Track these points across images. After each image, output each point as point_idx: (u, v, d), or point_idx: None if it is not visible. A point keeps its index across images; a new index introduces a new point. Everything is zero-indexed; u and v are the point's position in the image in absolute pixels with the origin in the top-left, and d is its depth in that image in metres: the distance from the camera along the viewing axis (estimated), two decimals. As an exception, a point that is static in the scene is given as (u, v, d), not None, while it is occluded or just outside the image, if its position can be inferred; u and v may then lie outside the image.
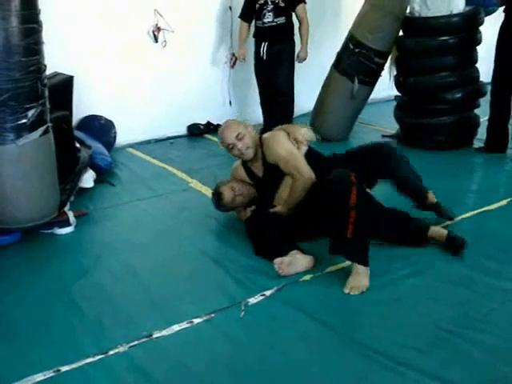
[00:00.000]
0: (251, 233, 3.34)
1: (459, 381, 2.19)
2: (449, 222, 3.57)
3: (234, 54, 6.06)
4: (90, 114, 5.30)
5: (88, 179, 4.34)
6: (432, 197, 3.67)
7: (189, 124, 6.06)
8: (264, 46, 5.44)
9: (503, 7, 4.74)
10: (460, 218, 3.67)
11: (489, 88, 5.07)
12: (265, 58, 5.47)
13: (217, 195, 3.59)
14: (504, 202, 3.93)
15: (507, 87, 4.78)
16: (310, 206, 3.23)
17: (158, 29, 5.56)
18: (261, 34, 5.47)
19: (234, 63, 6.10)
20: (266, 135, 3.50)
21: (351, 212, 2.81)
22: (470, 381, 2.20)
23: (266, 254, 3.16)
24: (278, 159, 3.38)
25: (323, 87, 5.68)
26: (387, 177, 3.51)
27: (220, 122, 6.11)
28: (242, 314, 2.69)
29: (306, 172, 3.31)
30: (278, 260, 2.98)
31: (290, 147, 3.38)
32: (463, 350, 2.39)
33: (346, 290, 2.83)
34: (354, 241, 2.83)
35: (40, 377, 2.29)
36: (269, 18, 5.36)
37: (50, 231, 3.64)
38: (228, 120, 3.63)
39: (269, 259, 3.08)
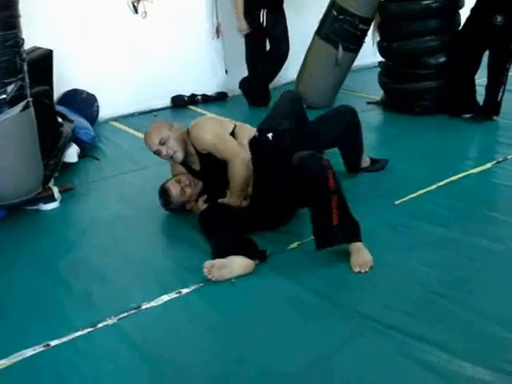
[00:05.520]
0: (205, 229, 3.06)
1: (446, 342, 2.22)
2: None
3: (218, 24, 6.05)
4: (72, 88, 5.23)
5: (72, 154, 4.30)
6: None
7: (173, 95, 6.00)
8: (264, 14, 5.49)
9: None
10: (445, 181, 3.69)
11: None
12: (264, 24, 5.53)
13: (163, 193, 3.36)
14: (489, 165, 3.94)
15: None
16: (273, 195, 3.11)
17: (138, -1, 5.48)
18: (259, 2, 5.48)
19: (218, 33, 6.06)
20: (191, 125, 3.31)
21: (333, 197, 2.73)
22: (457, 341, 2.22)
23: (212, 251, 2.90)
24: (206, 146, 3.19)
25: (306, 55, 5.63)
26: None
27: (208, 93, 6.11)
28: (234, 280, 2.70)
29: (239, 151, 3.14)
30: (207, 263, 2.69)
31: (215, 130, 3.21)
32: (450, 311, 2.42)
33: (356, 270, 2.72)
34: (342, 225, 2.75)
35: (30, 352, 2.30)
36: None
37: (35, 207, 3.61)
38: (152, 123, 3.47)
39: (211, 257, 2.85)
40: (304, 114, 3.74)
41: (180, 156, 3.30)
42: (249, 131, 3.36)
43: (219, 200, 3.18)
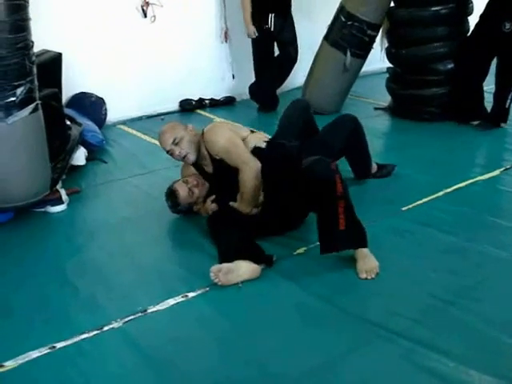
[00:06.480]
0: (213, 232, 3.08)
1: (453, 349, 2.21)
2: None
3: (226, 29, 6.06)
4: (80, 91, 5.25)
5: (80, 157, 4.31)
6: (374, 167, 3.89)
7: (181, 100, 6.02)
8: (271, 18, 5.51)
9: None
10: (453, 188, 3.68)
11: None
12: (272, 29, 5.54)
13: (171, 194, 3.36)
14: (497, 172, 3.93)
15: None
16: (283, 201, 3.10)
17: (147, 3, 5.48)
18: (267, 6, 5.49)
19: (226, 37, 6.08)
20: (206, 128, 3.31)
21: (340, 202, 2.72)
22: (464, 349, 2.21)
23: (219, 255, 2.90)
24: (219, 152, 3.18)
25: (314, 60, 5.64)
26: None
27: (216, 98, 6.12)
28: (240, 285, 2.70)
29: (249, 160, 3.12)
30: (214, 268, 2.70)
31: (229, 136, 3.19)
32: (457, 318, 2.41)
33: (363, 276, 2.72)
34: (348, 230, 2.74)
35: (36, 353, 2.30)
36: None
37: (42, 209, 3.62)
38: (167, 123, 3.47)
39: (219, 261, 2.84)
40: (313, 122, 3.75)
41: (192, 158, 3.28)
42: (259, 139, 3.33)
43: (230, 203, 3.17)
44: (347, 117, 3.73)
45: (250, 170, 3.10)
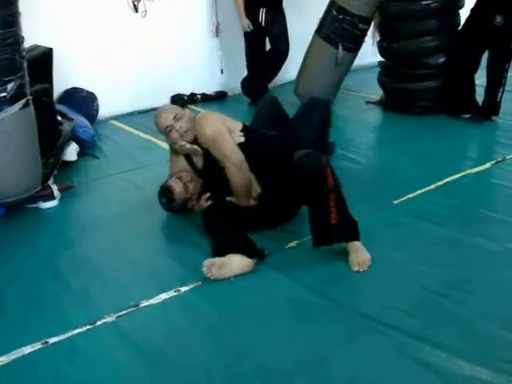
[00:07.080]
0: (207, 226, 3.04)
1: (445, 341, 2.22)
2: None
3: (218, 23, 6.06)
4: (72, 86, 5.24)
5: (71, 152, 4.30)
6: None
7: (172, 94, 6.00)
8: (262, 13, 5.53)
9: None
10: (444, 181, 3.69)
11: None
12: (263, 23, 5.55)
13: (165, 191, 3.30)
14: (488, 165, 3.95)
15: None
16: (276, 194, 3.10)
17: (138, -2, 5.49)
18: (257, 1, 5.51)
19: (217, 32, 6.07)
20: (197, 116, 3.28)
21: (331, 195, 2.73)
22: (456, 341, 2.22)
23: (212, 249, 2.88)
24: (207, 140, 3.13)
25: (306, 54, 5.63)
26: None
27: (207, 92, 6.12)
28: (233, 279, 2.70)
29: (232, 152, 3.07)
30: (207, 262, 2.69)
31: (218, 127, 3.14)
32: (448, 310, 2.42)
33: (355, 268, 2.72)
34: (340, 224, 2.74)
35: (28, 349, 2.30)
36: None
37: (34, 205, 3.61)
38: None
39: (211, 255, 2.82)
40: (283, 112, 3.88)
41: (190, 136, 3.22)
42: (238, 136, 3.25)
43: (227, 198, 3.15)
44: (320, 102, 3.89)
45: (232, 164, 3.05)
